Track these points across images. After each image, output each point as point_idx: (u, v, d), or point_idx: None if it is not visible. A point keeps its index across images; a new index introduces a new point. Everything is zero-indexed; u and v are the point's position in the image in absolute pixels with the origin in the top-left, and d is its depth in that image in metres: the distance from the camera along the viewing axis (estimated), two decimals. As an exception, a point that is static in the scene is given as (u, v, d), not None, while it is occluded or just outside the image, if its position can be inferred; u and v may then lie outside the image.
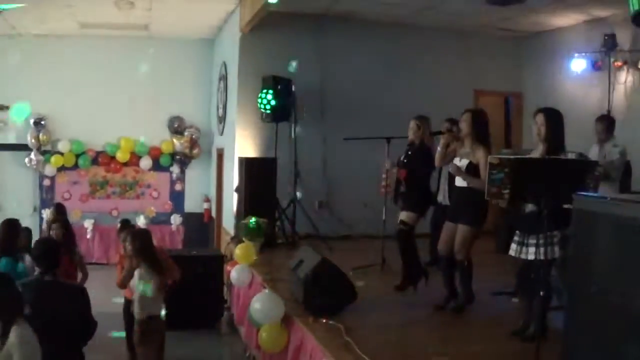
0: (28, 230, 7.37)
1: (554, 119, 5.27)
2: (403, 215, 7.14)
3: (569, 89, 10.32)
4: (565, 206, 4.37)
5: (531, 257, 5.03)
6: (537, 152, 5.31)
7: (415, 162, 7.19)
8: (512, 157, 4.86)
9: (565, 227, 4.64)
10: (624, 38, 9.44)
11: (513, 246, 5.26)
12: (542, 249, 4.86)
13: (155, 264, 6.15)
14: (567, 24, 10.68)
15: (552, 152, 5.11)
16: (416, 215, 7.13)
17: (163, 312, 6.26)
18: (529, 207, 5.03)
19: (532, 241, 5.01)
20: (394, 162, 7.72)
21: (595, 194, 3.03)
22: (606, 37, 9.56)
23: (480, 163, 6.02)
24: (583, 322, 2.81)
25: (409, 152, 7.31)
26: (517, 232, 5.24)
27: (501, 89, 12.06)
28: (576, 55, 10.03)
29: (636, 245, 2.56)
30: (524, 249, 5.13)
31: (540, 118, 5.29)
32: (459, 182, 6.25)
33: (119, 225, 7.98)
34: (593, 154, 7.26)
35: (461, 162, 6.22)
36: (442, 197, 8.25)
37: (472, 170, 6.09)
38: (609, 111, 9.11)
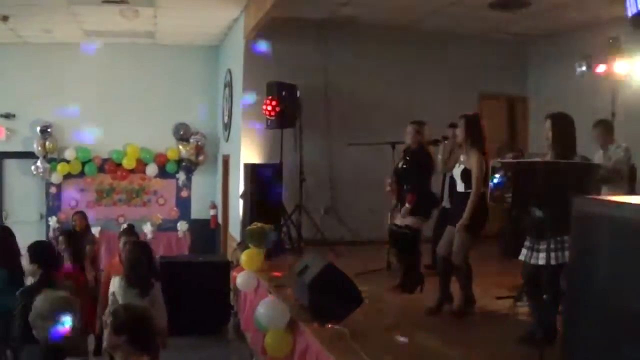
0: None
1: (560, 124, 5.26)
2: (408, 220, 7.15)
3: (574, 92, 10.28)
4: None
5: (542, 262, 5.01)
6: (548, 158, 5.30)
7: (414, 167, 7.21)
8: (513, 160, 4.86)
9: None
10: (628, 41, 9.42)
11: (524, 251, 5.25)
12: (552, 254, 4.87)
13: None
14: (571, 28, 10.66)
15: (561, 157, 5.07)
16: (420, 219, 7.16)
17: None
18: (538, 213, 5.00)
19: (543, 246, 4.98)
20: (394, 171, 7.70)
21: (595, 197, 3.03)
22: (611, 40, 9.54)
23: (473, 168, 6.04)
24: (583, 324, 2.81)
25: (407, 158, 7.31)
26: (528, 237, 5.24)
27: (506, 92, 12.04)
28: (581, 58, 10.00)
29: (636, 247, 2.58)
30: (535, 254, 5.11)
31: (547, 124, 5.30)
32: (460, 187, 6.27)
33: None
34: (597, 158, 7.25)
35: (458, 169, 6.26)
36: (445, 202, 8.26)
37: (467, 176, 6.11)
38: (613, 114, 9.09)
